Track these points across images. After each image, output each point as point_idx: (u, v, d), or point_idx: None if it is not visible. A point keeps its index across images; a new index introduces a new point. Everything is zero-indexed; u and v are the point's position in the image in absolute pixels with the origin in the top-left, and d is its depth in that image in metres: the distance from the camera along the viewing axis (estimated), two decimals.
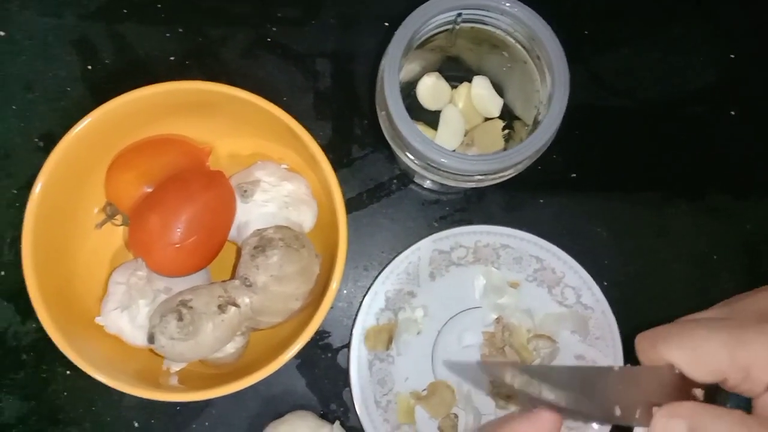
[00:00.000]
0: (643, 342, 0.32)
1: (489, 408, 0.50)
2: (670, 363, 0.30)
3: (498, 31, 0.44)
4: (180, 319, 0.39)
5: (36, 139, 0.53)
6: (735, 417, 0.29)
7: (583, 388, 0.32)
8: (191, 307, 0.40)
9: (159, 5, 0.55)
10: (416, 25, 0.41)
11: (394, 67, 0.41)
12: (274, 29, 0.55)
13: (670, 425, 0.29)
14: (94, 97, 0.54)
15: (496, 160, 0.41)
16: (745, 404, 0.30)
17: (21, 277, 0.43)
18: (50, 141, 0.53)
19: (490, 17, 0.43)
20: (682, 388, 0.31)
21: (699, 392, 0.31)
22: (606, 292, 0.50)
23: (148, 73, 0.54)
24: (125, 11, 0.55)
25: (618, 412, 0.31)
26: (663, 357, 0.31)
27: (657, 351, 0.31)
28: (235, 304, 0.41)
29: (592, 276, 0.50)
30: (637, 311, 0.52)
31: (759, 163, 0.55)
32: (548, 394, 0.32)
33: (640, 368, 0.32)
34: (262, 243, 0.42)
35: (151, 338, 0.40)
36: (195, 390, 0.42)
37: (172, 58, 0.55)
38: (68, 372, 0.51)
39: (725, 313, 0.33)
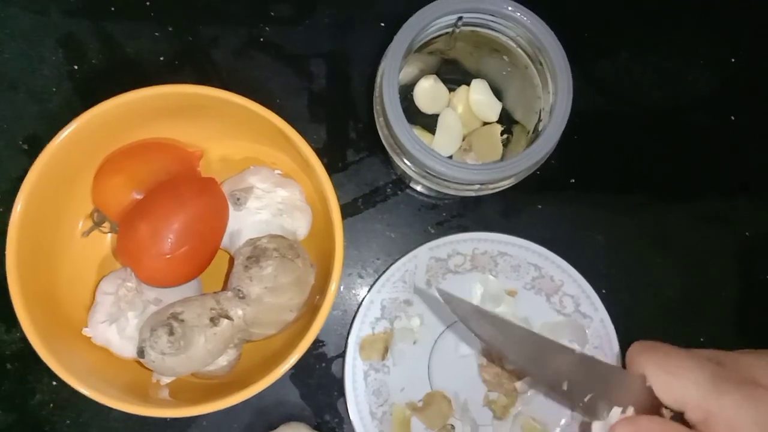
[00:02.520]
0: (632, 350, 0.34)
1: (486, 418, 0.49)
2: (644, 375, 0.32)
3: (500, 36, 0.42)
4: (171, 333, 0.38)
5: (20, 142, 0.51)
6: None
7: (537, 353, 0.35)
8: (182, 320, 0.39)
9: (148, 3, 0.53)
10: (417, 28, 0.40)
11: (394, 73, 0.40)
12: (267, 29, 0.54)
13: None
14: (80, 97, 0.53)
15: (496, 170, 0.40)
16: None
17: (5, 283, 0.41)
18: (35, 143, 0.51)
19: (493, 21, 0.42)
20: (650, 402, 0.32)
21: (667, 412, 0.32)
22: (604, 300, 0.49)
23: (136, 73, 0.53)
24: (112, 8, 0.53)
25: (565, 386, 0.34)
26: (642, 367, 0.33)
27: (639, 360, 0.33)
28: (228, 317, 0.40)
29: (591, 284, 0.49)
30: (636, 320, 0.51)
31: (759, 170, 0.54)
32: (503, 345, 0.35)
33: (606, 365, 0.35)
34: (256, 253, 0.41)
35: (141, 352, 0.39)
36: (185, 405, 0.41)
37: (161, 58, 0.53)
38: (54, 383, 0.49)
39: (721, 359, 0.34)
